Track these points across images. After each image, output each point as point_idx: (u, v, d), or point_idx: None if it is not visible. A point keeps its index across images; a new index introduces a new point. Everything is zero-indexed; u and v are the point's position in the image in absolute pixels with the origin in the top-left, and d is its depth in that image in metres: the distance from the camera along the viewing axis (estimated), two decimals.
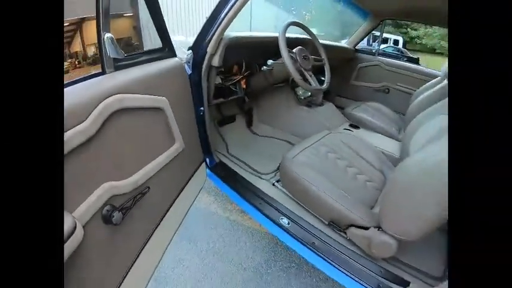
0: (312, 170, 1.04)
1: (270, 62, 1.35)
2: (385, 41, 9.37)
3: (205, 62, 1.03)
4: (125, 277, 0.71)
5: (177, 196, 0.95)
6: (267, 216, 1.06)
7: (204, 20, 1.02)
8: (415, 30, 14.97)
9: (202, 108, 1.09)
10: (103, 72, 0.69)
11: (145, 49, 0.95)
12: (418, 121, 1.32)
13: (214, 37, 1.00)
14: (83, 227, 0.54)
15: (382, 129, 1.77)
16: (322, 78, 1.39)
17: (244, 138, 1.70)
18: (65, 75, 0.88)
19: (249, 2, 0.94)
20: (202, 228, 1.43)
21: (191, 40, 1.05)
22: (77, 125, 0.54)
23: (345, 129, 1.73)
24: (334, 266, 0.92)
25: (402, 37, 10.30)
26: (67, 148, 0.51)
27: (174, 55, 0.95)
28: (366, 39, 2.58)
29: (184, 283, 1.16)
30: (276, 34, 1.21)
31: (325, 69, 1.42)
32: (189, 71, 1.03)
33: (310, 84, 1.24)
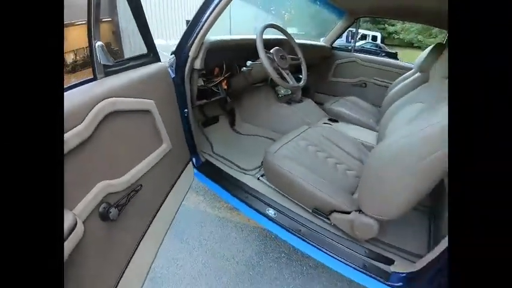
0: (293, 162, 1.10)
1: (249, 63, 1.41)
2: (364, 37, 9.64)
3: (188, 65, 1.08)
4: (123, 272, 0.73)
5: (168, 193, 0.98)
6: (255, 209, 1.12)
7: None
8: (393, 25, 15.43)
9: (186, 110, 1.13)
10: (94, 78, 0.72)
11: (126, 55, 0.98)
12: (392, 111, 1.40)
13: (196, 41, 1.04)
14: (83, 223, 0.58)
15: (359, 121, 1.85)
16: (300, 76, 1.45)
17: (228, 137, 1.75)
18: None
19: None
20: (193, 226, 1.47)
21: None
22: (74, 127, 0.57)
23: (324, 123, 1.80)
24: (321, 250, 0.97)
25: (380, 33, 10.62)
26: (66, 149, 0.54)
27: (159, 60, 0.99)
28: (345, 36, 2.68)
29: (180, 281, 1.19)
30: (254, 36, 1.27)
31: (302, 67, 1.49)
32: (173, 75, 1.07)
33: (287, 82, 1.31)
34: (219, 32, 1.09)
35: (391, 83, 2.09)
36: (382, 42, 9.99)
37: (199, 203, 1.65)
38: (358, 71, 2.50)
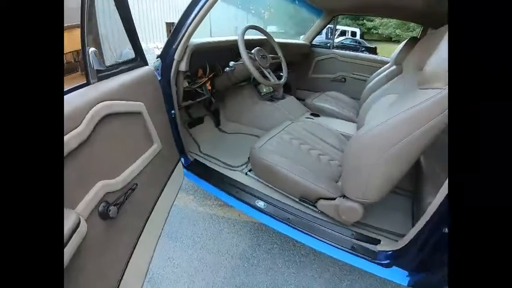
0: (278, 155, 1.15)
1: (231, 63, 1.46)
2: (344, 33, 9.84)
3: (173, 68, 1.12)
4: (123, 271, 0.75)
5: (162, 190, 1.02)
6: (245, 202, 1.16)
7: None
8: (371, 21, 15.84)
9: (173, 111, 1.17)
10: (88, 83, 0.74)
11: (107, 61, 1.00)
12: (369, 103, 1.48)
13: (181, 45, 1.09)
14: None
15: (340, 114, 1.94)
16: (281, 74, 1.51)
17: (214, 137, 1.78)
18: None
19: None
20: (186, 225, 1.49)
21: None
22: (73, 129, 0.60)
23: (306, 118, 1.87)
24: (310, 236, 1.02)
25: (359, 28, 10.85)
26: (66, 150, 0.57)
27: (146, 63, 1.02)
28: (324, 32, 2.77)
29: (177, 279, 1.20)
30: (236, 37, 1.32)
31: (282, 65, 1.56)
32: (159, 77, 1.10)
33: (269, 80, 1.36)
34: (199, 33, 1.13)
35: (369, 77, 2.18)
36: (361, 37, 10.21)
37: (190, 202, 1.68)
38: (338, 66, 2.59)
